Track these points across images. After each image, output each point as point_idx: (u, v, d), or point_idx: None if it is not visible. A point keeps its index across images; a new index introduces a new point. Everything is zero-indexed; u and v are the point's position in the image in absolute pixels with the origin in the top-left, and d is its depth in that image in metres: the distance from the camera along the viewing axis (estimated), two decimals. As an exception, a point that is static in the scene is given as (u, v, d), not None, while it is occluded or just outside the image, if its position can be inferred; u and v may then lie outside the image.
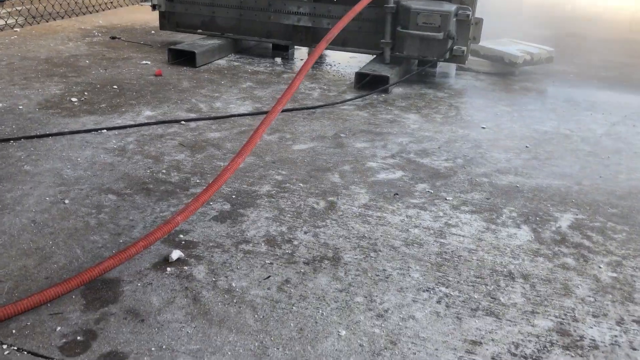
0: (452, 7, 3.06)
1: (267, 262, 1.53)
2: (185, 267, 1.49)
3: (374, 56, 3.45)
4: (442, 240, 1.67)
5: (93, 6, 4.96)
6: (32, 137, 2.26)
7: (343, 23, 2.65)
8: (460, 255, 1.60)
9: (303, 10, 3.48)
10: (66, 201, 1.79)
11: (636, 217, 1.86)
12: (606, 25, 5.46)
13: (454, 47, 3.12)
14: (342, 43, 3.52)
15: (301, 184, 2.00)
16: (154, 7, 3.77)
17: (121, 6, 5.24)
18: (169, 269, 1.48)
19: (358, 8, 2.81)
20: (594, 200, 1.97)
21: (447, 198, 1.94)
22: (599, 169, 2.25)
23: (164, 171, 2.04)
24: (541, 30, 4.60)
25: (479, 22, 3.16)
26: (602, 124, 2.77)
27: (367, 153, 2.31)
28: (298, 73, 2.15)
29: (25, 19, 4.34)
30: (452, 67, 3.63)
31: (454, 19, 3.07)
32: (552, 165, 2.27)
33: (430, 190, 1.99)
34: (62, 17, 4.58)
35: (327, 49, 3.60)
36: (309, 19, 3.49)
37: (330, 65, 3.68)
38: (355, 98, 2.96)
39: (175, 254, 1.52)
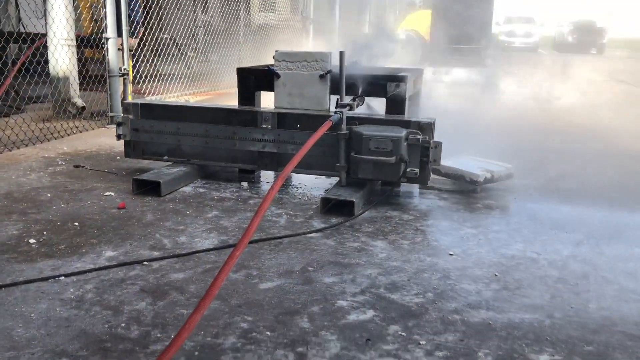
0: (403, 132, 3.19)
1: None
2: None
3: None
4: (417, 396, 1.59)
5: (58, 132, 4.97)
6: (-17, 290, 2.16)
7: (302, 153, 2.69)
8: (438, 415, 1.52)
9: (268, 137, 3.54)
10: (15, 370, 1.67)
11: (612, 356, 1.83)
12: (569, 134, 5.70)
13: (408, 170, 3.21)
14: (306, 166, 3.56)
15: (268, 332, 1.92)
16: (118, 136, 3.79)
17: (87, 130, 5.27)
18: None
19: (317, 136, 2.87)
20: (568, 337, 1.94)
21: (421, 342, 1.88)
22: (569, 297, 2.23)
23: (123, 324, 1.94)
24: (501, 143, 4.76)
25: (438, 145, 3.26)
26: (567, 243, 2.80)
27: (336, 289, 2.25)
28: (257, 212, 2.13)
29: (-13, 149, 4.31)
30: (415, 186, 3.68)
31: (405, 143, 3.20)
32: (523, 295, 2.24)
33: (402, 334, 1.93)
34: (26, 145, 4.57)
35: (292, 172, 3.65)
36: (274, 145, 3.55)
37: (297, 187, 3.70)
38: (323, 229, 2.94)
39: None
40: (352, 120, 3.33)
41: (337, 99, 3.45)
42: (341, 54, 3.35)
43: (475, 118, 6.05)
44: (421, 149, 3.24)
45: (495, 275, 2.42)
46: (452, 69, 10.38)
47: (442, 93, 8.71)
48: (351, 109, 3.39)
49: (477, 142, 4.39)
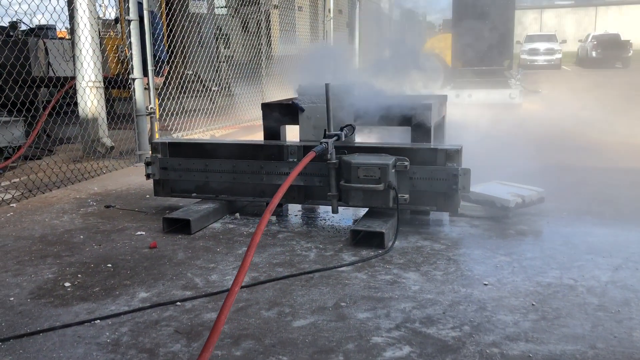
0: (390, 160, 3.23)
1: None
2: None
3: (367, 209, 3.47)
4: None
5: (88, 172, 5.08)
6: (21, 336, 2.18)
7: (286, 185, 2.69)
8: None
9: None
10: (55, 419, 1.67)
11: (661, 388, 1.76)
12: (601, 154, 5.61)
13: (399, 196, 3.25)
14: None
15: (304, 373, 1.90)
16: (148, 176, 3.85)
17: (116, 169, 5.37)
18: None
19: (300, 167, 2.89)
20: (613, 369, 1.87)
21: (459, 379, 1.84)
22: (611, 326, 2.17)
23: (159, 368, 1.94)
24: (531, 162, 4.69)
25: (467, 172, 3.23)
26: (604, 269, 2.72)
27: (370, 325, 2.23)
28: (249, 248, 2.12)
29: (22, 193, 4.41)
30: (445, 214, 3.64)
31: (393, 171, 3.23)
32: (562, 325, 2.19)
33: (440, 370, 1.89)
34: (58, 187, 4.66)
35: (315, 204, 3.66)
36: (300, 178, 3.55)
37: (324, 219, 3.70)
38: (354, 263, 2.92)
39: None
40: (341, 150, 3.39)
41: (325, 130, 3.47)
42: (327, 86, 3.40)
43: (505, 140, 6.00)
44: (450, 176, 3.21)
45: (533, 304, 2.36)
46: (475, 90, 10.36)
47: (467, 115, 8.68)
48: (339, 139, 3.41)
49: (508, 165, 4.35)
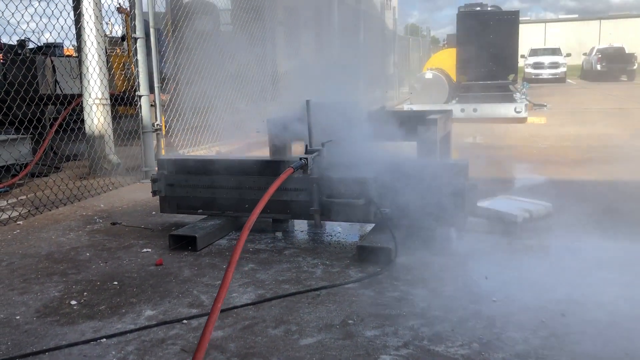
0: (371, 175, 3.28)
1: None
2: None
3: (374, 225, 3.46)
4: None
5: (95, 189, 5.09)
6: (27, 355, 2.17)
7: (264, 201, 2.66)
8: None
9: (300, 186, 3.55)
10: None
11: (676, 407, 1.73)
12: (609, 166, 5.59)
13: (380, 210, 3.30)
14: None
15: (312, 392, 1.88)
16: (154, 192, 3.85)
17: (122, 186, 5.38)
18: None
19: (277, 183, 2.88)
20: (626, 388, 1.84)
21: (469, 398, 1.81)
22: (622, 344, 2.14)
23: (165, 388, 1.93)
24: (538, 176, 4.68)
25: (473, 187, 3.22)
26: (614, 284, 2.69)
27: (378, 343, 2.20)
28: (229, 265, 2.14)
29: (29, 210, 4.42)
30: (452, 229, 3.62)
31: (373, 185, 3.29)
32: (573, 342, 2.16)
33: (449, 389, 1.87)
34: (65, 204, 4.67)
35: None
36: (306, 194, 3.55)
37: (331, 235, 3.68)
38: (361, 279, 2.90)
39: None
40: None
41: (306, 145, 3.48)
42: (307, 102, 3.41)
43: (509, 154, 5.98)
44: (456, 191, 3.20)
45: (542, 321, 2.34)
46: (480, 105, 10.37)
47: (472, 129, 8.69)
48: (320, 155, 3.41)
49: (517, 179, 4.33)
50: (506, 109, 9.95)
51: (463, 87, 11.40)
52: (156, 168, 3.97)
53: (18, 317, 2.52)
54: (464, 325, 2.32)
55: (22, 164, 5.56)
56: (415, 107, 9.89)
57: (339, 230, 3.76)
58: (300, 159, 3.24)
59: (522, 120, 9.79)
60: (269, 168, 3.66)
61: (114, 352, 2.19)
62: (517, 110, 9.85)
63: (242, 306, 2.60)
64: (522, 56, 24.32)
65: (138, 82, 5.56)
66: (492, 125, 9.38)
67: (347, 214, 3.39)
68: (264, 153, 4.19)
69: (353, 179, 3.29)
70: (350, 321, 2.40)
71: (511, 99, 10.64)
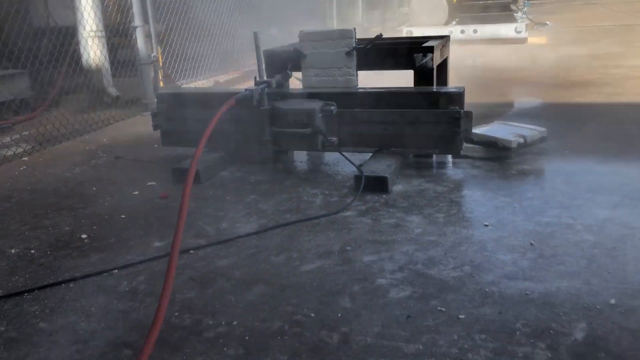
0: (318, 105, 3.38)
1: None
2: None
3: (373, 152, 3.52)
4: (458, 370, 1.67)
5: (96, 123, 5.13)
6: (45, 287, 2.31)
7: (207, 134, 2.87)
8: (478, 388, 1.59)
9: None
10: (83, 362, 1.80)
11: (650, 320, 1.86)
12: (605, 88, 5.58)
13: (328, 139, 3.42)
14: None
15: (312, 314, 2.02)
16: (155, 127, 3.90)
17: (123, 119, 5.42)
18: None
19: (219, 114, 3.05)
20: (605, 304, 1.97)
21: (460, 316, 1.95)
22: (606, 262, 2.26)
23: (176, 314, 2.07)
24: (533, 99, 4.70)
25: (468, 114, 3.26)
26: (603, 206, 2.79)
27: (375, 268, 2.33)
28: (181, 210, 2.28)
29: (33, 146, 4.49)
30: (448, 156, 3.69)
31: (320, 115, 3.38)
32: (559, 263, 2.28)
33: (442, 309, 2.00)
34: (68, 139, 4.74)
35: (325, 150, 3.71)
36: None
37: (329, 165, 3.76)
38: (358, 207, 3.00)
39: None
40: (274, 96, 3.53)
41: (255, 77, 3.53)
42: (255, 34, 3.44)
43: (508, 77, 5.95)
44: (452, 119, 3.25)
45: (531, 244, 2.45)
46: (480, 26, 10.18)
47: (471, 51, 8.58)
48: (269, 86, 3.46)
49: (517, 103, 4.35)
50: (507, 30, 9.78)
51: (463, 7, 11.14)
52: (156, 101, 3.99)
53: (33, 251, 2.65)
54: (456, 250, 2.45)
55: (21, 99, 5.56)
56: (415, 30, 9.72)
57: (337, 161, 3.84)
58: (246, 90, 3.30)
59: (523, 40, 9.64)
60: (267, 100, 3.69)
61: (125, 282, 2.32)
62: (517, 30, 9.68)
63: (245, 235, 2.71)
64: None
65: (132, 12, 5.48)
66: (492, 47, 9.26)
67: (296, 143, 3.52)
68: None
69: (302, 110, 3.39)
70: (348, 247, 2.53)
71: (512, 19, 10.42)
